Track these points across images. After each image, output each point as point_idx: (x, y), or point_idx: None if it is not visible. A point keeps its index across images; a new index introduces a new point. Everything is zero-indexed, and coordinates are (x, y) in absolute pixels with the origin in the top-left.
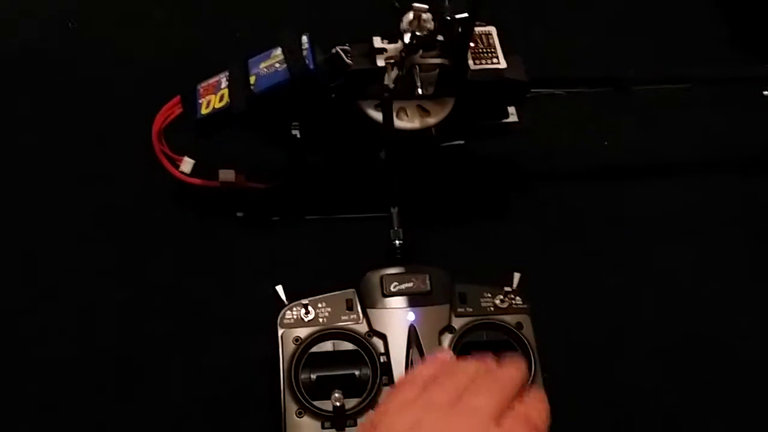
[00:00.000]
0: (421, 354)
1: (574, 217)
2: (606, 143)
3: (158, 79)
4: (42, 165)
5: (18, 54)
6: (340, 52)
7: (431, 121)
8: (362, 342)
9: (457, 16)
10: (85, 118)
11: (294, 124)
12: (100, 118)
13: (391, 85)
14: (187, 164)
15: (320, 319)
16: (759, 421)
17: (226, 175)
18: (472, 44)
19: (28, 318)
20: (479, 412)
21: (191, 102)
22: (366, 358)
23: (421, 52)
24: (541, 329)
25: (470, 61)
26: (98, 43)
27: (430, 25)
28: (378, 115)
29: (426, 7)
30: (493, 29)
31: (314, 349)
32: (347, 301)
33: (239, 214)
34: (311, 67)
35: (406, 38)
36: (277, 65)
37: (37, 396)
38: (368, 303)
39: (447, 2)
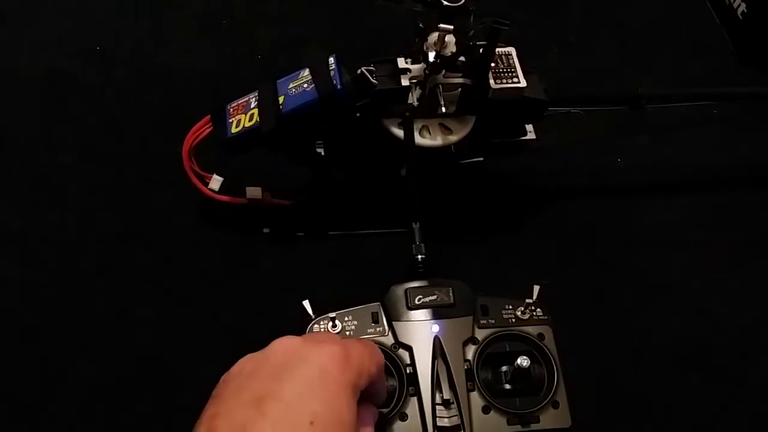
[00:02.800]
0: (446, 364)
1: (590, 232)
2: (619, 160)
3: (187, 100)
4: (73, 183)
5: (48, 76)
6: (366, 73)
7: (452, 138)
8: (388, 354)
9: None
10: (115, 138)
11: (318, 142)
12: (129, 138)
13: (415, 104)
14: (215, 182)
15: (347, 332)
16: None
17: (254, 192)
18: (492, 64)
19: (65, 324)
20: None
21: (221, 121)
22: (392, 369)
23: (444, 72)
24: (561, 339)
25: (491, 81)
26: (126, 64)
27: (453, 47)
28: (401, 133)
29: (451, 27)
30: (512, 50)
31: None
32: (373, 314)
33: (266, 230)
34: (338, 87)
35: (430, 58)
36: (305, 85)
37: (72, 399)
38: (393, 316)
39: (470, 26)
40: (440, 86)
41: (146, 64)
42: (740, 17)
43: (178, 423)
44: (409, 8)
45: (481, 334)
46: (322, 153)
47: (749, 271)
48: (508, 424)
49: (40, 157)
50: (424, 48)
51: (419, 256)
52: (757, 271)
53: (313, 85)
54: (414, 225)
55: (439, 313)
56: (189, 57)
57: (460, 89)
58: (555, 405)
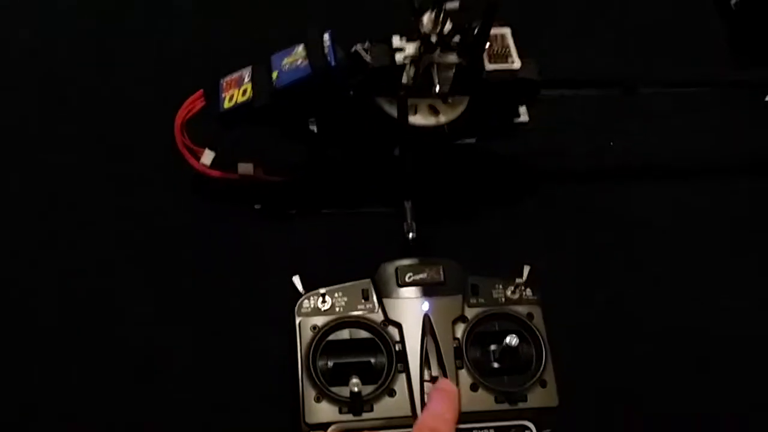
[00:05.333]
0: (435, 342)
1: (582, 215)
2: (612, 144)
3: (180, 74)
4: (68, 156)
5: (39, 47)
6: (360, 50)
7: (445, 118)
8: (378, 330)
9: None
10: (106, 108)
11: (311, 119)
12: (119, 108)
13: (409, 83)
14: (207, 156)
15: (337, 308)
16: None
17: (246, 168)
18: (487, 45)
19: (47, 298)
20: None
21: (214, 96)
22: (382, 346)
23: (438, 51)
24: (550, 321)
25: (486, 61)
26: (116, 35)
27: (449, 26)
28: (394, 112)
29: (457, 4)
30: (507, 30)
31: (331, 337)
32: (363, 290)
33: (257, 207)
34: (332, 64)
35: (425, 37)
36: (299, 62)
37: (57, 376)
38: (384, 293)
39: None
40: (435, 65)
41: (139, 36)
42: (733, 7)
43: (159, 399)
44: None
45: (470, 313)
46: (315, 130)
47: (743, 256)
48: (496, 401)
49: (33, 132)
50: (419, 27)
51: (410, 235)
52: (751, 257)
53: (307, 62)
54: (406, 204)
55: (429, 291)
56: (183, 30)
57: (454, 69)
58: (543, 384)
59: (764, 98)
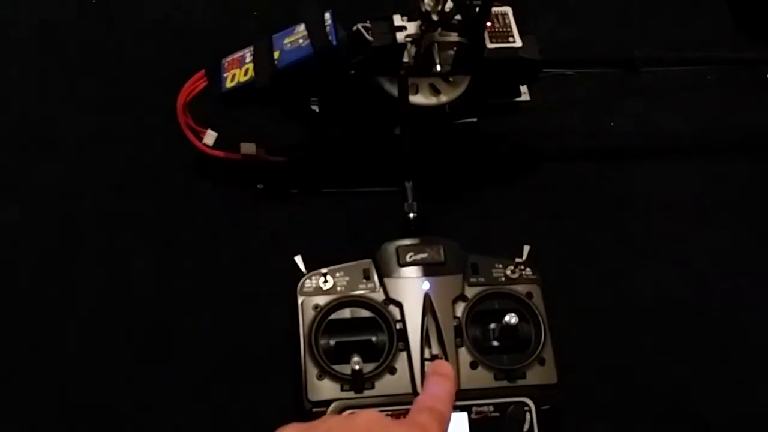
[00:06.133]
0: (436, 321)
1: (582, 194)
2: (612, 123)
3: (182, 54)
4: (69, 136)
5: (45, 30)
6: (362, 29)
7: (446, 98)
8: (379, 309)
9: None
10: (110, 92)
11: (313, 99)
12: (124, 92)
13: (411, 62)
14: (210, 137)
15: (338, 288)
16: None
17: (248, 148)
18: (488, 24)
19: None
20: None
21: (216, 76)
22: (383, 324)
23: (440, 30)
24: (549, 299)
25: (487, 40)
26: (121, 18)
27: (449, 4)
28: (395, 91)
29: None
30: (509, 9)
31: (333, 316)
32: (364, 270)
33: (260, 186)
34: (334, 43)
35: (427, 15)
36: (301, 41)
37: (66, 350)
38: (385, 272)
39: None
40: (436, 44)
41: (142, 17)
42: None
43: (173, 375)
44: None
45: (470, 292)
46: (317, 110)
47: (739, 234)
48: (495, 379)
49: (38, 109)
50: (421, 5)
51: (411, 215)
52: (746, 234)
53: (308, 41)
54: (407, 183)
55: (429, 270)
56: (185, 11)
57: (455, 48)
58: (542, 362)
59: (765, 75)
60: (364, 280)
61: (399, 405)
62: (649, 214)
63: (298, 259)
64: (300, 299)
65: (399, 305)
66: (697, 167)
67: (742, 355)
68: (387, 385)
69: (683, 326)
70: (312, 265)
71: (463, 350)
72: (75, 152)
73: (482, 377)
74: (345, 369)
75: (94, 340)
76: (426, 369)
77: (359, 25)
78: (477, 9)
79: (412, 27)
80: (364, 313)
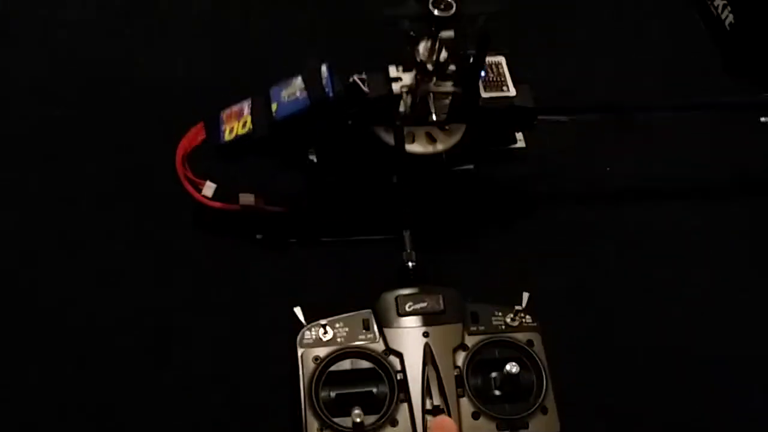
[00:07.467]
0: (437, 371)
1: (579, 239)
2: (608, 168)
3: (180, 107)
4: (69, 187)
5: (47, 85)
6: (358, 81)
7: (442, 146)
8: (379, 360)
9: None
10: (110, 146)
11: (311, 149)
12: (123, 144)
13: (407, 112)
14: (209, 188)
15: (338, 339)
16: None
17: (246, 198)
18: (483, 73)
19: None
20: None
21: (214, 128)
22: (383, 375)
23: (435, 80)
24: (549, 341)
25: (481, 89)
26: (120, 72)
27: (444, 54)
28: (392, 141)
29: (452, 33)
30: (502, 59)
31: (333, 368)
32: (364, 320)
33: (258, 237)
34: (330, 95)
35: (421, 66)
36: (298, 93)
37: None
38: (384, 322)
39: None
40: (431, 94)
41: (140, 71)
42: (728, 28)
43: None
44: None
45: (471, 341)
46: (315, 160)
47: (737, 275)
48: (498, 429)
49: (39, 164)
50: (416, 56)
51: (410, 263)
52: (744, 277)
53: (305, 93)
54: (405, 232)
55: (429, 319)
56: (183, 64)
57: (450, 98)
58: (544, 411)
59: (759, 119)
60: (364, 331)
61: None
62: (647, 256)
63: (298, 311)
64: (300, 351)
65: (399, 355)
66: (692, 210)
67: (744, 395)
68: None
69: (685, 368)
70: (311, 315)
71: (464, 400)
72: (73, 204)
73: (485, 427)
74: (346, 422)
75: (90, 385)
76: (428, 424)
77: (355, 77)
78: (471, 59)
79: (407, 78)
80: (365, 364)
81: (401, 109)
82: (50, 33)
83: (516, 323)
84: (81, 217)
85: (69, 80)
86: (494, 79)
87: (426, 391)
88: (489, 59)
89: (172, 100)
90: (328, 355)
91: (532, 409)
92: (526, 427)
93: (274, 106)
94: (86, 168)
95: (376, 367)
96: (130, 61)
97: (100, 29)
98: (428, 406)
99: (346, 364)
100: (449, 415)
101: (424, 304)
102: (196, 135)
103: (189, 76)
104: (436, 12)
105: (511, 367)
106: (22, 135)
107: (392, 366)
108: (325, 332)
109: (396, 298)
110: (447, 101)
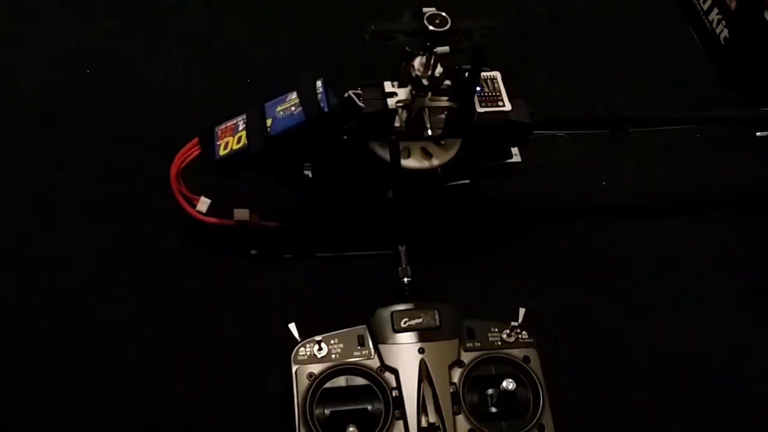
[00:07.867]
0: (432, 388)
1: (576, 253)
2: (605, 183)
3: (175, 122)
4: (64, 204)
5: (41, 96)
6: (353, 96)
7: (437, 161)
8: (374, 377)
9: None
10: (104, 159)
11: (306, 164)
12: (118, 159)
13: (402, 127)
14: (203, 204)
15: (333, 355)
16: None
17: (241, 214)
18: (478, 88)
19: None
20: None
21: (209, 144)
22: (378, 392)
23: (430, 95)
24: (546, 361)
25: (477, 104)
26: (116, 86)
27: (439, 69)
28: (387, 156)
29: (447, 49)
30: (498, 74)
31: (328, 385)
32: (359, 337)
33: (253, 252)
34: (325, 110)
35: (416, 81)
36: (293, 108)
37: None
38: (380, 338)
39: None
40: (426, 109)
41: (136, 86)
42: (722, 42)
43: None
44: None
45: (467, 357)
46: (310, 175)
47: (734, 290)
48: None
49: (35, 176)
50: (411, 71)
51: (405, 279)
52: (742, 291)
53: (300, 109)
54: (400, 247)
55: (425, 336)
56: (178, 79)
57: (446, 113)
58: (541, 428)
59: (755, 133)
60: (359, 347)
61: None
62: (644, 271)
63: (293, 327)
64: (294, 368)
65: (395, 372)
66: (689, 224)
67: (742, 409)
68: None
69: (682, 383)
70: (306, 331)
71: (461, 417)
72: (70, 219)
73: None
74: None
75: (88, 408)
76: None
77: (351, 92)
78: (466, 74)
79: (402, 93)
80: (360, 381)
81: (396, 124)
82: (45, 45)
83: (512, 339)
84: (72, 233)
85: (61, 93)
86: (489, 93)
87: (422, 409)
88: (484, 74)
89: (166, 116)
90: (322, 372)
91: (529, 427)
92: None
93: (269, 122)
94: (79, 183)
95: (372, 384)
96: (123, 75)
97: (94, 44)
98: (424, 424)
99: (340, 381)
100: None
101: (419, 320)
102: (190, 150)
103: (183, 92)
104: (431, 27)
105: (508, 384)
106: (13, 145)
107: (387, 383)
108: (320, 348)
109: (391, 314)
110: (442, 116)
